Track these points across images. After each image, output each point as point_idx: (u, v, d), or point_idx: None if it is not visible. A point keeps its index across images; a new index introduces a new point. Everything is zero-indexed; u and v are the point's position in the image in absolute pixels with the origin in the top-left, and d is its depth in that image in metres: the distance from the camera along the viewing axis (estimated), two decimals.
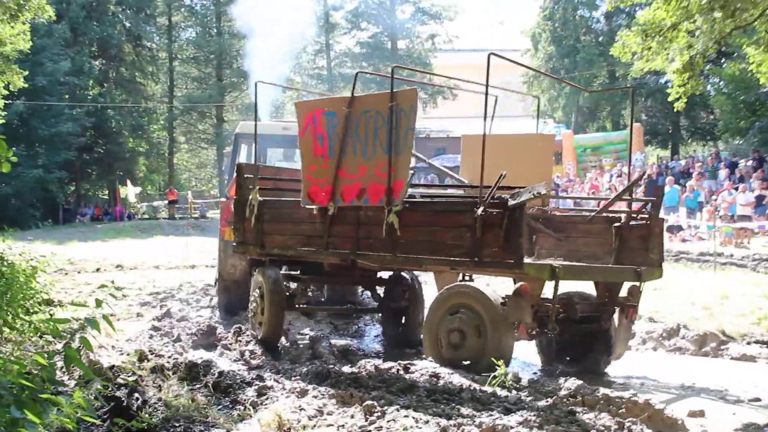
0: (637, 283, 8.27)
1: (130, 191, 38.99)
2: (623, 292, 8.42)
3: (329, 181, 8.61)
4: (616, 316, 8.44)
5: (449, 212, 7.85)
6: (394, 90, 8.16)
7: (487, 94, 7.80)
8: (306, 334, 10.42)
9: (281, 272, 9.91)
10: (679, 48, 13.05)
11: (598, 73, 44.20)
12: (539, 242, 9.31)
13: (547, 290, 7.85)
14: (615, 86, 43.42)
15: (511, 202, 7.21)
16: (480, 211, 7.35)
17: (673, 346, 9.80)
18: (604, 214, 8.77)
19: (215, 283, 12.95)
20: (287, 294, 9.68)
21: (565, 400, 6.24)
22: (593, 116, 48.32)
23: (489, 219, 7.34)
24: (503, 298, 7.58)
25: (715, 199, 23.72)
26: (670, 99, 13.86)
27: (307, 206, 8.91)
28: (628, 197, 8.87)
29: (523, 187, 7.31)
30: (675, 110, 15.79)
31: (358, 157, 8.39)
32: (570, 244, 8.96)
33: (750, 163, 27.03)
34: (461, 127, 53.57)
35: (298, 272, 10.18)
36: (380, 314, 10.85)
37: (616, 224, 8.50)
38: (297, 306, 9.99)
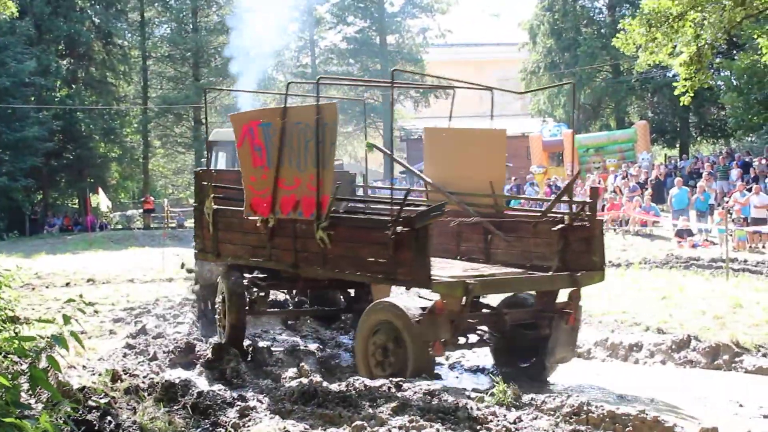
0: (577, 288, 8.62)
1: (102, 200, 38.87)
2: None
3: (269, 192, 9.20)
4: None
5: (367, 229, 8.46)
6: (320, 104, 8.65)
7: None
8: (284, 342, 10.48)
9: (247, 277, 10.33)
10: (686, 39, 13.10)
11: (601, 67, 44.36)
12: (494, 243, 9.79)
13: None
14: (620, 82, 43.64)
15: (417, 224, 7.76)
16: (390, 231, 7.90)
17: (683, 359, 9.83)
18: (549, 216, 9.14)
19: (193, 290, 13.41)
20: (249, 299, 10.13)
21: (568, 418, 6.24)
22: (596, 114, 48.48)
23: (399, 238, 7.86)
24: (420, 313, 8.03)
25: (727, 201, 23.79)
26: (676, 93, 13.92)
27: (250, 217, 9.56)
28: (567, 198, 9.20)
29: (431, 205, 8.05)
30: (682, 106, 15.85)
31: (294, 169, 8.96)
32: (522, 245, 9.40)
33: (764, 161, 27.11)
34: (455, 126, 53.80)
35: (263, 276, 10.52)
36: (351, 315, 11.25)
37: (557, 227, 8.85)
38: (260, 311, 10.45)
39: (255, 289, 10.31)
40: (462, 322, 8.23)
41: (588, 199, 9.10)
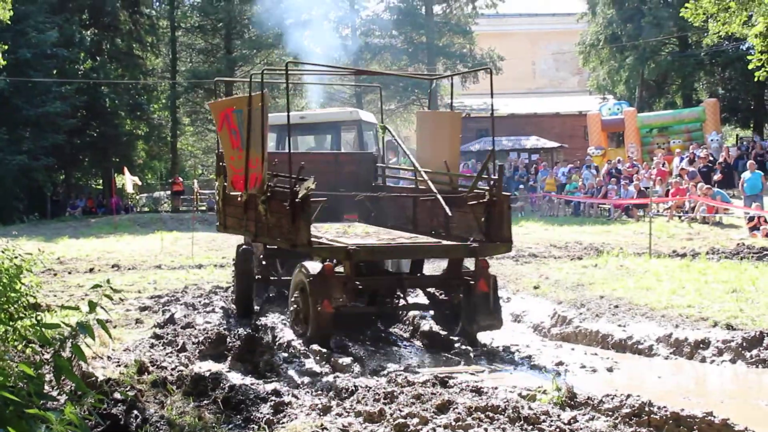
0: (482, 258, 10.67)
1: (127, 180, 39.24)
2: None
3: (243, 171, 11.35)
4: None
5: (279, 201, 10.61)
6: (258, 92, 10.98)
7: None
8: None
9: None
10: (764, 8, 12.87)
11: (667, 39, 43.77)
12: (420, 216, 12.55)
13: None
14: (687, 56, 43.00)
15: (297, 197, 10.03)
16: (287, 203, 10.19)
17: (755, 358, 9.69)
18: (474, 193, 11.11)
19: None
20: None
21: (627, 419, 6.21)
22: (660, 91, 47.87)
23: (292, 208, 10.13)
24: (315, 274, 10.15)
25: None
26: (750, 67, 13.69)
27: (231, 193, 12.21)
28: (485, 176, 11.21)
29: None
30: (757, 81, 15.60)
31: (254, 150, 11.05)
32: (459, 218, 11.37)
33: None
34: (507, 104, 53.41)
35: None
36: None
37: (472, 202, 10.88)
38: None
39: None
40: (351, 283, 10.36)
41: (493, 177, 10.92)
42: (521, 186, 37.36)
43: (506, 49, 50.84)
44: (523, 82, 59.32)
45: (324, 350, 9.63)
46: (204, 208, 43.72)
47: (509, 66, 50.13)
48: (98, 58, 46.19)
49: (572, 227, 27.51)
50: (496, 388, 7.12)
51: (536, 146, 45.17)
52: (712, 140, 35.34)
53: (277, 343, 10.39)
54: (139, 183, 37.98)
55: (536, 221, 30.65)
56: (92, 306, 5.25)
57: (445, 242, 10.95)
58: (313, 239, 10.21)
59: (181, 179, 46.82)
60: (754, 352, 9.79)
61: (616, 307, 11.94)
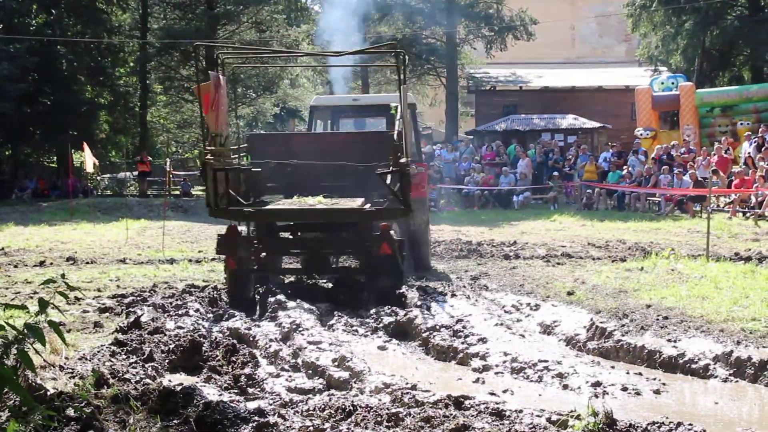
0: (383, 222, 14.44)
1: (87, 158, 39.21)
2: None
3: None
4: None
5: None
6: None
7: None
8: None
9: None
10: None
11: (734, 1, 43.66)
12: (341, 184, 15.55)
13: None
14: (758, 20, 42.81)
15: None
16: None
17: None
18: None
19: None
20: None
21: None
22: (725, 62, 47.74)
23: (204, 176, 13.56)
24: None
25: None
26: None
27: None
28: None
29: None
30: None
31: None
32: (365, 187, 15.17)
33: None
34: (541, 76, 53.28)
35: None
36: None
37: (379, 171, 13.82)
38: None
39: None
40: (250, 243, 14.73)
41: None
42: (555, 173, 37.36)
43: (541, 10, 50.76)
44: (560, 50, 59.27)
45: (320, 365, 9.65)
46: (178, 192, 43.74)
47: (544, 30, 50.07)
48: (54, 11, 46.00)
49: (615, 223, 27.50)
50: (520, 411, 7.13)
51: (574, 126, 45.12)
52: None
53: (262, 352, 10.41)
54: (97, 162, 38.02)
55: (572, 215, 30.68)
56: (43, 305, 5.26)
57: (341, 206, 14.14)
58: (220, 207, 13.63)
59: (149, 158, 46.71)
60: None
61: (666, 318, 11.94)
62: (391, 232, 14.19)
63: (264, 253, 15.21)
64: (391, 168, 13.60)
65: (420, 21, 49.98)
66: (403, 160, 13.34)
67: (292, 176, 15.50)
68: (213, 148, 13.76)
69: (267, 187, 15.90)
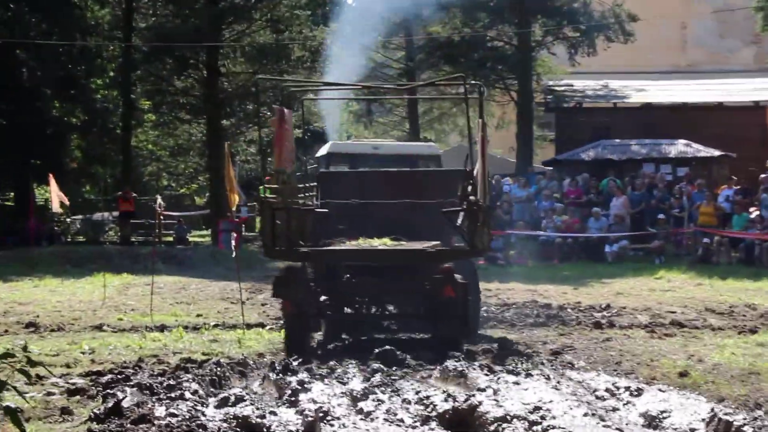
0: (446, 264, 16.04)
1: (53, 195, 39.46)
2: None
3: None
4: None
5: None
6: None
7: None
8: None
9: None
10: None
11: None
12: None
13: None
14: None
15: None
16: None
17: None
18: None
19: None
20: None
21: None
22: None
23: (261, 215, 17.17)
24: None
25: None
26: None
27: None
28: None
29: None
30: None
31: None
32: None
33: None
34: (642, 89, 53.06)
35: None
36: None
37: (445, 210, 16.06)
38: None
39: None
40: (307, 285, 16.44)
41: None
42: (661, 216, 37.10)
43: (643, 4, 50.69)
44: (668, 56, 59.32)
45: None
46: (171, 238, 43.85)
47: (646, 30, 50.10)
48: (12, 6, 46.30)
49: (741, 282, 27.35)
50: None
51: (685, 155, 44.82)
52: None
53: None
54: (67, 200, 38.23)
55: (683, 271, 30.52)
56: None
57: (400, 248, 16.21)
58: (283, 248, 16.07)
59: (133, 194, 46.72)
60: None
61: None
62: (457, 275, 15.50)
63: (323, 297, 16.74)
64: (460, 206, 15.39)
65: (483, 18, 49.88)
66: (472, 198, 15.05)
67: (362, 217, 17.47)
68: (274, 185, 16.25)
69: (337, 229, 17.59)
